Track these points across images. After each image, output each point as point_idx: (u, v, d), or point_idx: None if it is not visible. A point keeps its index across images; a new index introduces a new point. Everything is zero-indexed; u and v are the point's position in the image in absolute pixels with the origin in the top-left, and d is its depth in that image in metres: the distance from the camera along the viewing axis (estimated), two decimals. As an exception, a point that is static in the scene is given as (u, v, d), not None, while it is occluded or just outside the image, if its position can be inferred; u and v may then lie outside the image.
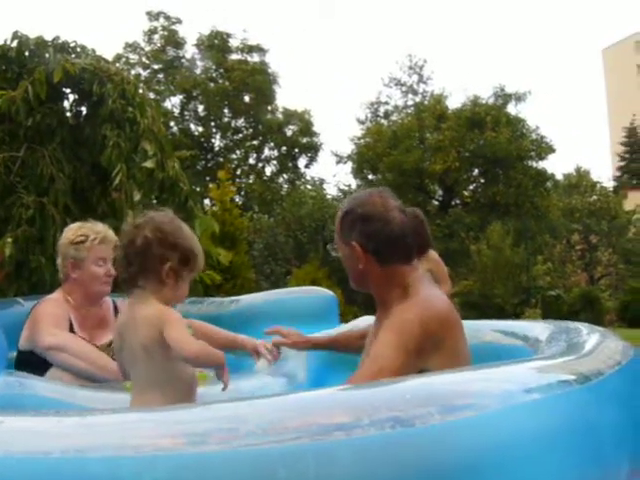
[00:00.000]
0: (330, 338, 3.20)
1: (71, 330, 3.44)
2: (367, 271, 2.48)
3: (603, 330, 2.58)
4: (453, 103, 28.88)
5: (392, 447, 1.36)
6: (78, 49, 5.73)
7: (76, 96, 5.59)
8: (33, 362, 3.25)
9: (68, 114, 5.60)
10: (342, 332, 3.29)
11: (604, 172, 54.92)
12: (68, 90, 5.59)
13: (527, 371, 1.83)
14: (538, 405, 1.63)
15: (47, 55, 5.35)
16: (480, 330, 3.51)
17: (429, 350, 2.31)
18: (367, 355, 2.45)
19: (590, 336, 2.38)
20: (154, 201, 5.60)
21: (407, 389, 1.58)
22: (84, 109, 5.59)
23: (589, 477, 1.74)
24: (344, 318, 5.36)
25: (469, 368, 1.75)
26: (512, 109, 26.48)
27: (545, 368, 1.90)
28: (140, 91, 5.72)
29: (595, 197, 31.21)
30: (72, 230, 3.61)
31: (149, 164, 5.27)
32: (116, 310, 3.69)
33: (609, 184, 31.25)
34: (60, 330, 3.38)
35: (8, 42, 5.46)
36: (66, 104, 5.61)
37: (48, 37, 5.58)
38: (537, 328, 3.10)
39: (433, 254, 5.30)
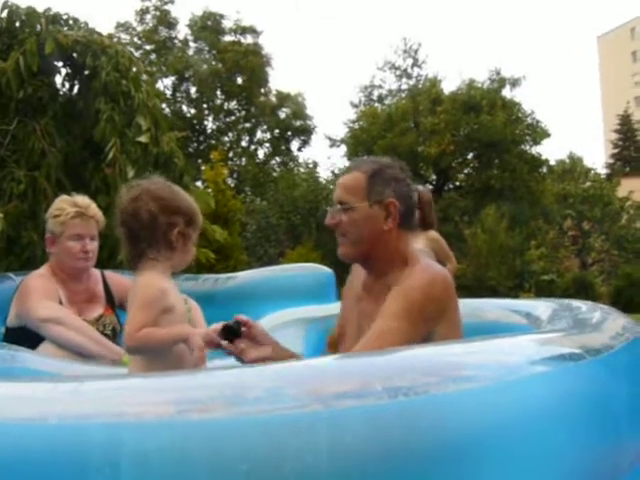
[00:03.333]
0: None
1: (60, 304, 3.37)
2: (387, 233, 2.44)
3: (606, 307, 2.57)
4: (448, 87, 28.83)
5: (404, 415, 1.32)
6: (70, 21, 5.62)
7: (68, 69, 5.48)
8: (23, 339, 3.17)
9: (60, 87, 5.49)
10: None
11: (598, 159, 55.16)
12: (60, 63, 5.48)
13: (535, 343, 1.80)
14: (545, 377, 1.61)
15: (39, 26, 5.23)
16: (482, 309, 3.49)
17: (434, 316, 2.31)
18: (358, 327, 2.44)
19: (595, 312, 2.37)
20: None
21: (417, 358, 1.53)
22: (77, 82, 5.49)
23: (598, 450, 1.71)
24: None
25: (478, 338, 1.70)
26: (507, 93, 26.46)
27: (552, 340, 1.87)
28: (134, 69, 5.61)
29: (588, 183, 31.27)
30: (55, 203, 3.53)
31: (143, 139, 5.18)
32: (105, 283, 3.62)
33: (602, 171, 31.26)
34: (52, 303, 3.31)
35: (-2, 12, 5.36)
36: (58, 77, 5.51)
37: (39, 9, 5.48)
38: (540, 306, 3.07)
39: (435, 233, 5.32)
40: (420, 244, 5.06)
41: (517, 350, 1.69)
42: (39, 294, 3.32)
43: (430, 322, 2.31)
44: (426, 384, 1.39)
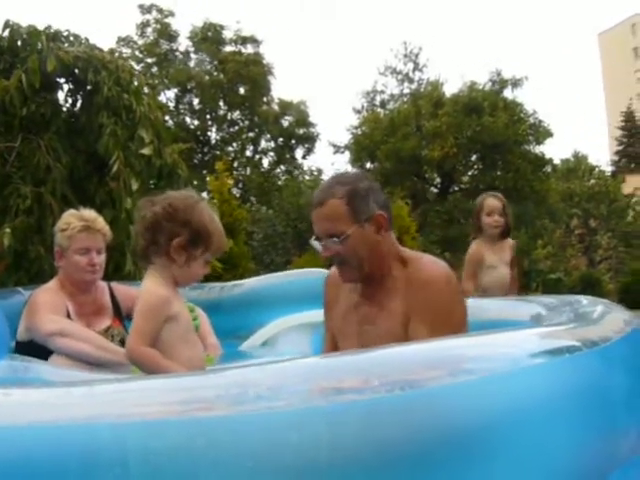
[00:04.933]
0: None
1: (68, 318, 3.41)
2: (382, 243, 2.45)
3: (607, 302, 2.58)
4: (450, 89, 28.86)
5: (402, 409, 1.36)
6: (71, 38, 5.69)
7: (70, 85, 5.55)
8: (32, 352, 3.21)
9: (63, 103, 5.56)
10: None
11: (602, 156, 54.94)
12: (62, 80, 5.54)
13: (533, 337, 1.83)
14: (544, 369, 1.63)
15: (40, 44, 5.29)
16: (483, 308, 3.51)
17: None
18: (359, 333, 2.47)
19: (595, 307, 2.39)
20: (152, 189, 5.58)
21: (417, 352, 1.57)
22: (79, 98, 5.55)
23: (596, 439, 1.73)
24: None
25: (478, 333, 1.74)
26: (509, 94, 26.46)
27: (551, 334, 1.90)
28: (135, 80, 5.67)
29: (593, 181, 31.20)
30: (62, 218, 3.58)
31: (146, 151, 5.24)
32: (112, 295, 3.66)
33: (607, 168, 31.18)
34: (58, 316, 3.36)
35: (0, 31, 5.42)
36: (61, 94, 5.58)
37: (40, 27, 5.54)
38: (541, 303, 3.09)
39: (512, 240, 5.26)
40: (507, 253, 5.00)
41: (514, 343, 1.72)
42: (46, 308, 3.36)
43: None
44: (424, 378, 1.42)
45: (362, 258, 2.43)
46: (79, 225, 3.44)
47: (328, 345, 2.68)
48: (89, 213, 3.55)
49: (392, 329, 2.35)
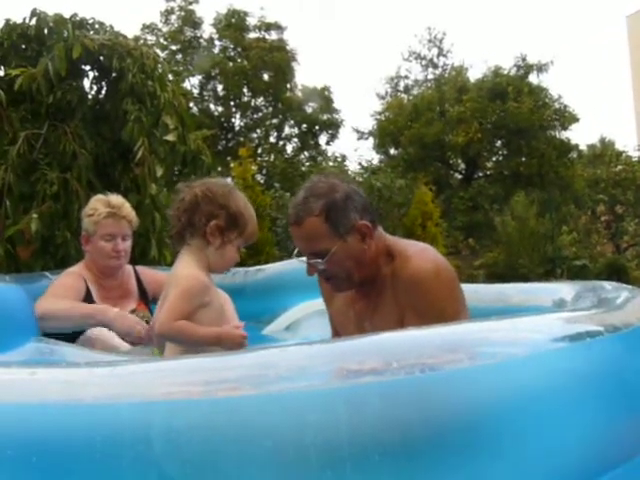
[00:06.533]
0: None
1: (89, 301, 3.44)
2: (367, 250, 2.37)
3: (631, 288, 2.57)
4: (474, 75, 28.59)
5: (421, 391, 1.37)
6: (96, 25, 5.72)
7: (96, 72, 5.59)
8: (59, 335, 3.26)
9: (88, 90, 5.60)
10: None
11: (630, 142, 54.10)
12: (88, 67, 5.59)
13: (554, 321, 1.83)
14: (565, 353, 1.63)
15: (66, 32, 5.33)
16: (506, 293, 3.51)
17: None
18: (358, 328, 2.44)
19: (619, 292, 2.38)
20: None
21: (437, 335, 1.58)
22: (104, 85, 5.59)
23: (617, 424, 1.74)
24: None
25: (496, 318, 1.74)
26: (534, 79, 26.19)
27: (572, 318, 1.90)
28: (160, 67, 5.70)
29: (620, 167, 30.81)
30: (90, 203, 3.63)
31: (170, 137, 5.27)
32: (138, 279, 3.70)
33: (635, 154, 30.73)
34: (57, 298, 3.35)
35: (27, 20, 5.47)
36: (86, 81, 5.62)
37: (66, 15, 5.59)
38: (564, 289, 3.09)
39: None
40: None
41: (534, 327, 1.72)
42: (47, 293, 3.40)
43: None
44: (444, 361, 1.44)
45: (350, 270, 2.37)
46: (105, 211, 3.48)
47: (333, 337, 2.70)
48: (116, 199, 3.59)
49: (388, 326, 2.25)
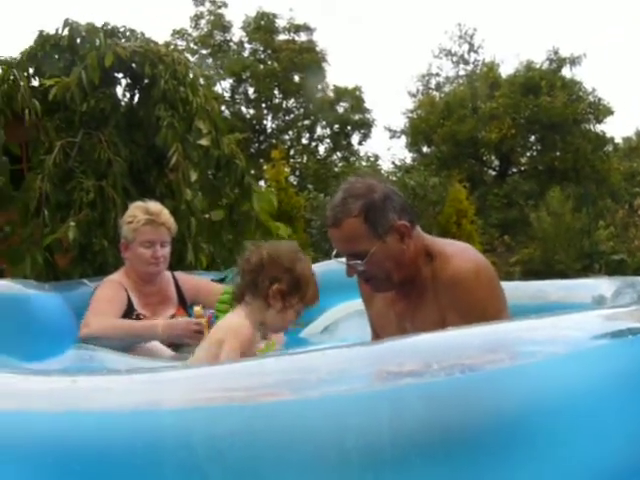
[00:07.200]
0: None
1: (130, 309, 3.47)
2: (407, 250, 2.36)
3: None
4: (506, 70, 28.35)
5: (461, 392, 1.36)
6: (127, 33, 5.79)
7: (128, 80, 5.64)
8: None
9: (121, 97, 5.66)
10: None
11: (666, 133, 53.24)
12: (120, 75, 5.65)
13: (594, 318, 1.81)
14: (606, 351, 1.61)
15: (98, 41, 5.40)
16: (545, 290, 3.48)
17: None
18: (399, 329, 2.43)
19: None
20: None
21: (476, 336, 1.57)
22: (137, 92, 5.64)
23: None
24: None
25: (537, 316, 1.72)
26: (567, 72, 25.90)
27: (613, 315, 1.87)
28: (191, 72, 5.74)
29: (657, 159, 30.38)
30: (129, 210, 3.65)
31: (204, 142, 5.31)
32: (177, 285, 3.72)
33: (672, 145, 30.23)
34: (104, 316, 3.36)
35: (59, 31, 5.54)
36: (119, 88, 5.68)
37: (97, 24, 5.66)
38: (603, 285, 3.05)
39: None
40: None
41: (575, 325, 1.70)
42: (93, 308, 3.40)
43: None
44: (484, 361, 1.42)
45: (389, 271, 2.37)
46: (144, 218, 3.50)
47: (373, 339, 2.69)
48: (154, 205, 3.61)
49: (429, 327, 2.21)
